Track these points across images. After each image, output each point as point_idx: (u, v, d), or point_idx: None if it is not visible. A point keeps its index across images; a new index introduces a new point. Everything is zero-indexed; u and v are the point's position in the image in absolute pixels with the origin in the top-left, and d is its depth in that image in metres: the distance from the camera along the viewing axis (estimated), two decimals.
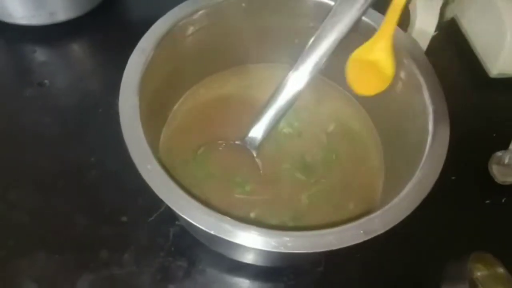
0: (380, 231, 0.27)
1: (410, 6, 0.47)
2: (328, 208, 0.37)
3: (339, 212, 0.37)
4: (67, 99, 0.47)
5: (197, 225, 0.26)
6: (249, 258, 0.37)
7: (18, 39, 0.51)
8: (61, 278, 0.37)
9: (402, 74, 0.37)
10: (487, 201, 0.43)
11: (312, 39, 0.35)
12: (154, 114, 0.37)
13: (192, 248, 0.38)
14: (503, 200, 0.43)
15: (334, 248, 0.26)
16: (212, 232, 0.26)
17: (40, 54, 0.50)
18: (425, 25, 0.46)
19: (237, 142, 0.38)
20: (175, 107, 0.42)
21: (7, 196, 0.40)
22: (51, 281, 0.36)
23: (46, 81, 0.48)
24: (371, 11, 0.37)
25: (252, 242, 0.26)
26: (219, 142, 0.39)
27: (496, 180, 0.43)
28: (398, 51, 0.36)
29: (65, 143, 0.44)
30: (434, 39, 0.47)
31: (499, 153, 0.44)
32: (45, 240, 0.38)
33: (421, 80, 0.35)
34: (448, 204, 0.41)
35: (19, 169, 0.42)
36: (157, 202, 0.39)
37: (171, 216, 0.39)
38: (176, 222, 0.39)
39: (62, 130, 0.45)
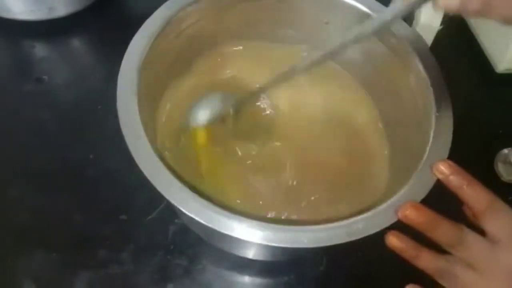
0: (364, 234, 0.27)
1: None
2: (327, 201, 0.36)
3: (338, 206, 0.36)
4: (66, 95, 0.47)
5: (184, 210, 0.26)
6: (243, 252, 0.36)
7: (17, 34, 0.50)
8: (59, 276, 0.36)
9: (407, 70, 0.36)
10: None
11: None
12: (152, 95, 0.36)
13: (192, 246, 0.38)
14: (508, 199, 0.42)
15: (314, 246, 0.26)
16: (195, 217, 0.26)
17: (39, 50, 0.49)
18: (430, 19, 0.45)
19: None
20: (173, 89, 0.40)
21: (5, 194, 0.40)
22: (49, 280, 0.36)
23: (45, 76, 0.47)
24: None
25: (238, 233, 0.26)
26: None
27: (502, 178, 0.43)
28: (403, 46, 0.35)
29: (64, 139, 0.43)
30: (439, 34, 0.46)
31: (505, 151, 0.44)
32: (43, 238, 0.38)
33: (426, 77, 0.34)
34: (452, 201, 0.40)
35: (18, 166, 0.42)
36: (156, 200, 0.39)
37: (170, 214, 0.39)
38: (176, 220, 0.39)
39: (61, 127, 0.44)
